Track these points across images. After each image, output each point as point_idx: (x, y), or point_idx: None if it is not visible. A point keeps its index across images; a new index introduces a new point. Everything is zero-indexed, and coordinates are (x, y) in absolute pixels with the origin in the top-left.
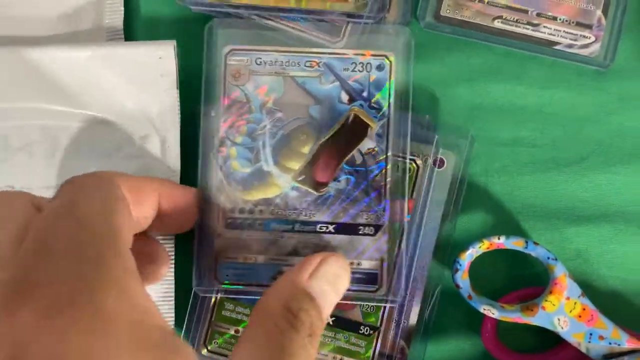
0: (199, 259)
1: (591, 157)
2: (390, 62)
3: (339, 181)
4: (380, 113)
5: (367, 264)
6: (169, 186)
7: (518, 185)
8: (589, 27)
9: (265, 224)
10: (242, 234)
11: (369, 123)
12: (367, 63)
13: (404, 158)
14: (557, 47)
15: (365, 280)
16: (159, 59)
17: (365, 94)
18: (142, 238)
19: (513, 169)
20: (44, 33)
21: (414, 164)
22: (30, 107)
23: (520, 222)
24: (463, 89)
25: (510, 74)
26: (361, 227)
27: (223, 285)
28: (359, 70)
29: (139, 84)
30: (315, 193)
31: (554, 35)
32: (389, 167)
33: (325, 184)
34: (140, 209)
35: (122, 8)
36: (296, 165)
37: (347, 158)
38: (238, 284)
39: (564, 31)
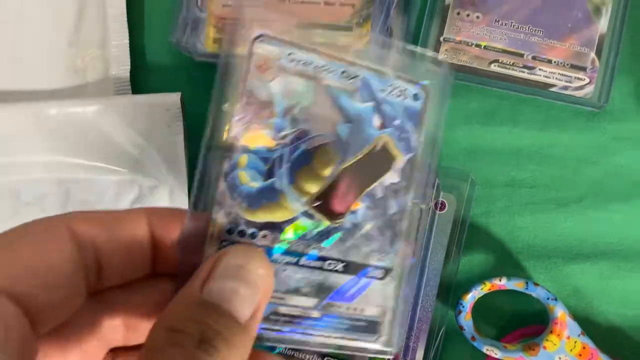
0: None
1: (589, 196)
2: (427, 93)
3: (355, 214)
4: (408, 146)
5: (370, 311)
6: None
7: (518, 225)
8: (583, 69)
9: (267, 253)
10: None
11: (397, 155)
12: (405, 89)
13: (424, 201)
14: (553, 89)
15: (365, 329)
16: (166, 111)
17: (397, 122)
18: None
19: (513, 210)
20: (54, 86)
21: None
22: (42, 161)
23: (521, 261)
24: (461, 132)
25: (506, 116)
26: (371, 268)
27: None
28: (396, 95)
29: (146, 136)
30: (329, 223)
31: (549, 77)
32: (409, 206)
33: (341, 215)
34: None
35: (129, 59)
36: (314, 188)
37: (368, 189)
38: None
39: (558, 73)
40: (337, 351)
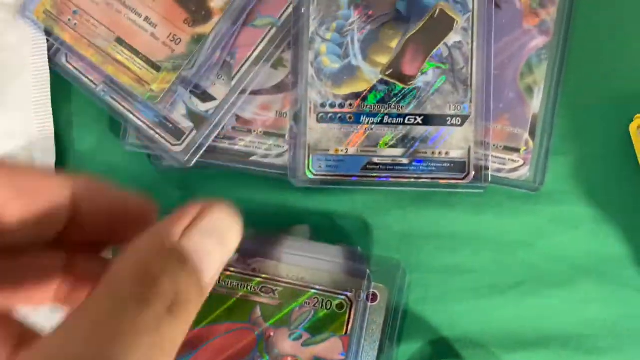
0: (293, 152)
1: (526, 281)
2: None
3: (426, 74)
4: (465, 7)
5: (455, 153)
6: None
7: (455, 312)
8: (516, 150)
9: (355, 117)
10: (332, 127)
11: (455, 17)
12: None
13: None
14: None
15: (454, 168)
16: None
17: None
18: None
19: (449, 297)
20: None
21: (345, 301)
22: None
23: (459, 350)
24: (394, 216)
25: (440, 200)
26: (449, 117)
27: (315, 177)
28: None
29: None
30: (403, 85)
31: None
32: (474, 60)
33: (413, 77)
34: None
35: (54, 152)
36: (384, 59)
37: (434, 51)
38: (330, 175)
39: (492, 155)
40: (429, 189)
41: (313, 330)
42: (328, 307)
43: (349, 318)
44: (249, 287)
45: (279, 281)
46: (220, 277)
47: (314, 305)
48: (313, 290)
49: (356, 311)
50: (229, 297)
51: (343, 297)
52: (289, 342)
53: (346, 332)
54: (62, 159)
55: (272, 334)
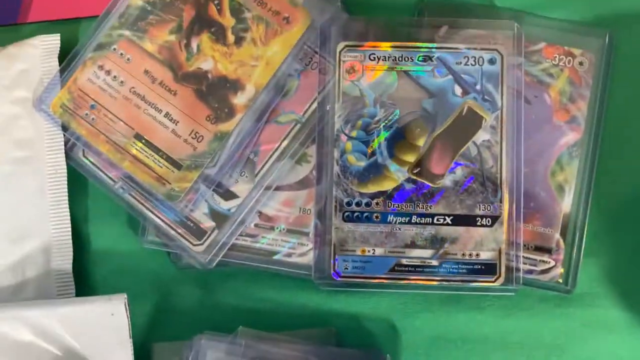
0: (318, 252)
1: None
2: (502, 55)
3: (454, 173)
4: (494, 105)
5: (485, 255)
6: None
7: None
8: (548, 251)
9: (382, 217)
10: (359, 226)
11: (483, 115)
12: (480, 57)
13: None
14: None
15: (485, 270)
16: (111, 316)
17: (478, 87)
18: None
19: None
20: None
21: None
22: None
23: None
24: (422, 319)
25: (470, 302)
26: (478, 218)
27: (341, 279)
28: (471, 64)
29: (90, 346)
30: (431, 185)
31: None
32: (504, 159)
33: (441, 176)
34: None
35: (71, 250)
36: (411, 157)
37: (462, 150)
38: (356, 277)
39: (523, 256)
40: (459, 292)
41: None
42: None
43: None
44: None
45: None
46: None
47: None
48: None
49: None
50: None
51: None
52: None
53: None
54: (79, 256)
55: None
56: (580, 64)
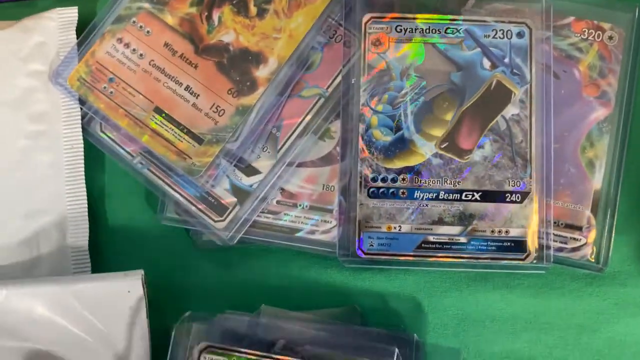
0: (342, 229)
1: None
2: (530, 29)
3: (483, 148)
4: (523, 79)
5: (514, 232)
6: None
7: None
8: (578, 228)
9: (409, 193)
10: (384, 203)
11: (513, 89)
12: (508, 30)
13: None
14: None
15: (514, 247)
16: (128, 293)
17: (507, 60)
18: None
19: None
20: (4, 262)
21: None
22: None
23: None
24: (450, 299)
25: (499, 281)
26: (508, 194)
27: (366, 256)
28: (499, 37)
29: (106, 322)
30: (459, 160)
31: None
32: (533, 134)
33: (469, 151)
34: None
35: (87, 226)
36: (439, 132)
37: (491, 124)
38: (382, 254)
39: (553, 234)
40: (488, 270)
41: None
42: None
43: None
44: None
45: None
46: None
47: None
48: None
49: None
50: None
51: None
52: None
53: None
54: (95, 233)
55: None
56: (610, 38)
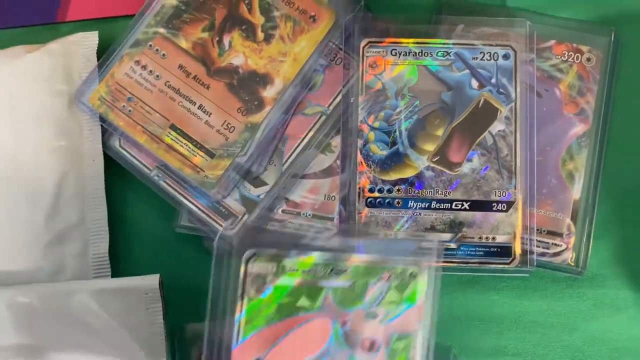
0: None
1: None
2: (515, 51)
3: (471, 161)
4: (508, 97)
5: (501, 238)
6: None
7: None
8: (559, 235)
9: (403, 202)
10: (381, 211)
11: (499, 107)
12: (494, 52)
13: None
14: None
15: (501, 252)
16: (145, 295)
17: (493, 80)
18: None
19: None
20: (30, 266)
21: (416, 269)
22: (13, 345)
23: None
24: (442, 300)
25: (487, 284)
26: (494, 203)
27: None
28: (487, 59)
29: (124, 323)
30: (450, 172)
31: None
32: (518, 148)
33: (459, 164)
34: None
35: (107, 234)
36: (431, 147)
37: (479, 139)
38: None
39: (536, 240)
40: (476, 273)
41: (389, 305)
42: (401, 279)
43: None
44: (316, 273)
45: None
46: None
47: (388, 280)
48: (386, 266)
49: (428, 278)
50: (297, 288)
51: (415, 266)
52: (366, 324)
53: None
54: (114, 240)
55: (347, 318)
56: (588, 59)
